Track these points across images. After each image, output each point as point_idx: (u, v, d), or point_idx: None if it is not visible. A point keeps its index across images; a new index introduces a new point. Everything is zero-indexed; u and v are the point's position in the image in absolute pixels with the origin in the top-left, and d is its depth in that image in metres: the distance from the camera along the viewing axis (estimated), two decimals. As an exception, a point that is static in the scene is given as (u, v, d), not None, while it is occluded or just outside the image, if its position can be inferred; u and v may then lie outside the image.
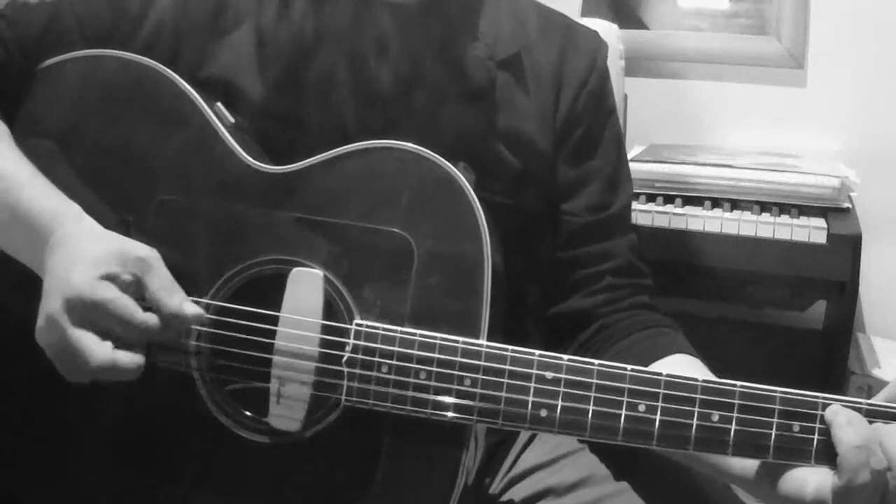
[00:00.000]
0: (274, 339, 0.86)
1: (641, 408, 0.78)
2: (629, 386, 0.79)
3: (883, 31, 1.88)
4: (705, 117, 2.02)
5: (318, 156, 0.89)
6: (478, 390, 0.81)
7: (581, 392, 0.79)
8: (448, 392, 0.82)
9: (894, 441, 0.74)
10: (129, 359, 0.81)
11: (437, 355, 0.82)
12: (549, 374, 0.80)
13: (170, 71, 0.93)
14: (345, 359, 0.84)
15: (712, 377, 0.81)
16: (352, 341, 0.84)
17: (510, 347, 0.81)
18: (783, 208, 1.64)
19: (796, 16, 1.93)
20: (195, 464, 0.89)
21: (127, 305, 0.80)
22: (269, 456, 0.87)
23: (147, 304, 0.83)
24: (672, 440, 0.78)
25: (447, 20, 1.00)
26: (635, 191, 1.70)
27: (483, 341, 0.82)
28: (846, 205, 1.66)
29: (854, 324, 1.72)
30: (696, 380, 0.78)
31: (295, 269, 0.86)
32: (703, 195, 1.68)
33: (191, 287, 0.87)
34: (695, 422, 0.77)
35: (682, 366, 0.92)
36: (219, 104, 0.93)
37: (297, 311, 0.85)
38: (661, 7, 2.02)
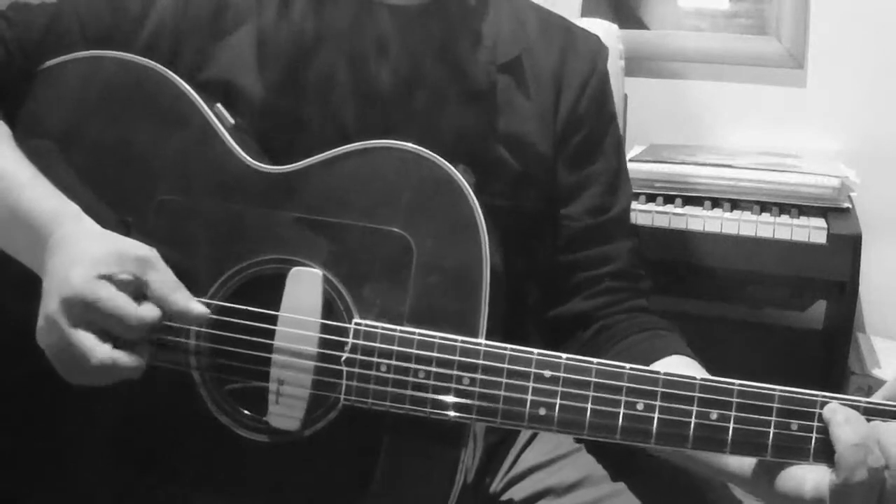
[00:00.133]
0: (273, 338, 0.86)
1: (640, 406, 0.79)
2: (627, 385, 0.79)
3: (883, 31, 1.88)
4: (705, 117, 2.02)
5: (318, 156, 0.90)
6: (476, 389, 0.81)
7: (580, 391, 0.80)
8: (447, 391, 0.82)
9: (892, 439, 0.73)
10: (129, 358, 0.81)
11: (435, 354, 0.82)
12: (547, 373, 0.80)
13: (170, 72, 0.94)
14: (344, 358, 0.84)
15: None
16: (351, 340, 0.84)
17: (509, 346, 0.81)
18: (783, 208, 1.64)
19: (796, 16, 1.93)
20: (194, 463, 0.89)
21: (123, 303, 0.80)
22: (269, 455, 0.87)
23: (149, 299, 0.83)
24: (670, 439, 0.78)
25: (447, 22, 1.00)
26: (635, 191, 1.70)
27: (482, 340, 0.82)
28: (846, 205, 1.66)
29: (854, 324, 1.72)
30: (694, 378, 0.78)
31: (294, 269, 0.86)
32: (703, 195, 1.68)
33: (191, 287, 0.87)
34: (693, 420, 0.77)
35: (679, 367, 0.92)
36: (219, 105, 0.93)
37: (297, 310, 0.85)
38: (661, 7, 2.02)
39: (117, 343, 0.81)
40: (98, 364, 0.79)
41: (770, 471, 0.79)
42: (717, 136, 2.00)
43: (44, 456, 0.92)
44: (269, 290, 0.87)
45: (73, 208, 0.87)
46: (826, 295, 1.72)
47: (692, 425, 0.77)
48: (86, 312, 0.79)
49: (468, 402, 0.81)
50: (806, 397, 0.77)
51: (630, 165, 1.70)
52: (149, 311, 0.82)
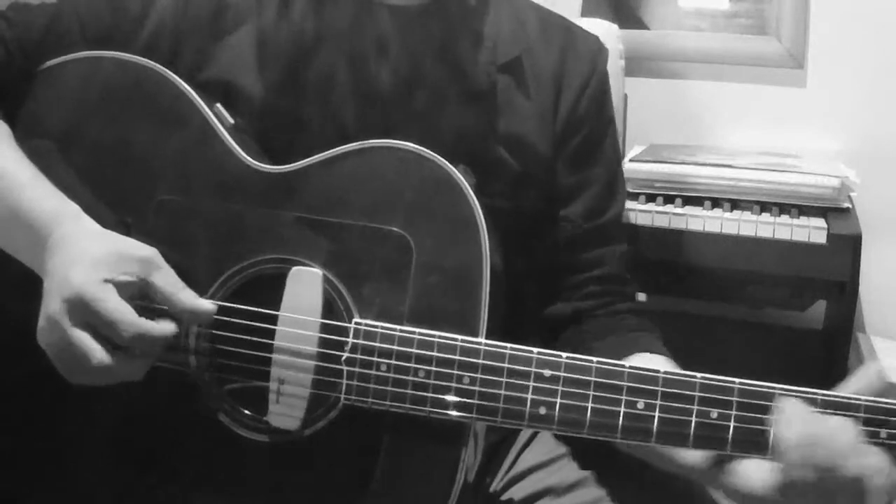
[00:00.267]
0: (273, 338, 0.86)
1: (640, 405, 0.79)
2: (627, 384, 0.79)
3: (883, 31, 1.88)
4: (705, 117, 2.01)
5: (318, 155, 0.90)
6: (476, 388, 0.81)
7: (580, 390, 0.80)
8: (447, 390, 0.82)
9: (843, 434, 0.73)
10: (129, 361, 0.81)
11: (435, 354, 0.82)
12: (547, 372, 0.80)
13: (169, 72, 0.94)
14: (344, 357, 0.84)
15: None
16: (351, 340, 0.84)
17: (509, 345, 0.81)
18: (783, 208, 1.64)
19: (796, 16, 1.93)
20: (194, 463, 0.89)
21: (121, 311, 0.80)
22: (269, 455, 0.87)
23: (150, 303, 0.83)
24: (671, 437, 0.78)
25: (448, 23, 1.00)
26: (635, 191, 1.70)
27: (482, 339, 0.82)
28: (846, 205, 1.66)
29: (854, 324, 1.72)
30: (694, 376, 0.78)
31: (294, 268, 0.86)
32: (703, 195, 1.68)
33: (191, 286, 0.87)
34: (693, 419, 0.78)
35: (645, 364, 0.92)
36: (218, 105, 0.93)
37: (297, 309, 0.85)
38: (661, 7, 2.01)
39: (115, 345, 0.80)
40: (97, 365, 0.79)
41: (722, 464, 0.79)
42: (717, 136, 2.00)
43: (44, 456, 0.92)
44: (270, 289, 0.87)
45: (74, 208, 0.87)
46: (826, 295, 1.72)
47: (693, 424, 0.77)
48: (86, 314, 0.79)
49: (468, 401, 0.81)
50: (805, 394, 0.76)
51: (630, 165, 1.71)
52: (166, 327, 0.82)
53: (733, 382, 0.77)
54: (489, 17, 1.02)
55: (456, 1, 1.02)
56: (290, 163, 0.91)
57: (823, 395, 0.76)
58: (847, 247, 1.57)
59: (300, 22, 0.98)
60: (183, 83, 0.94)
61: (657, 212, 1.67)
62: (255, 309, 0.86)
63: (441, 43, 1.00)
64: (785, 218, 1.61)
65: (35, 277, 0.84)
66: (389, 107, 0.98)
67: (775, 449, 0.75)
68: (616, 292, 1.05)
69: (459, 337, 0.82)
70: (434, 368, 0.82)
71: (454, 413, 0.82)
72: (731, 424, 0.77)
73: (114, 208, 0.91)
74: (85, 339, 0.79)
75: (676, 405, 0.78)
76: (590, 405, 0.79)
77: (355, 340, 0.84)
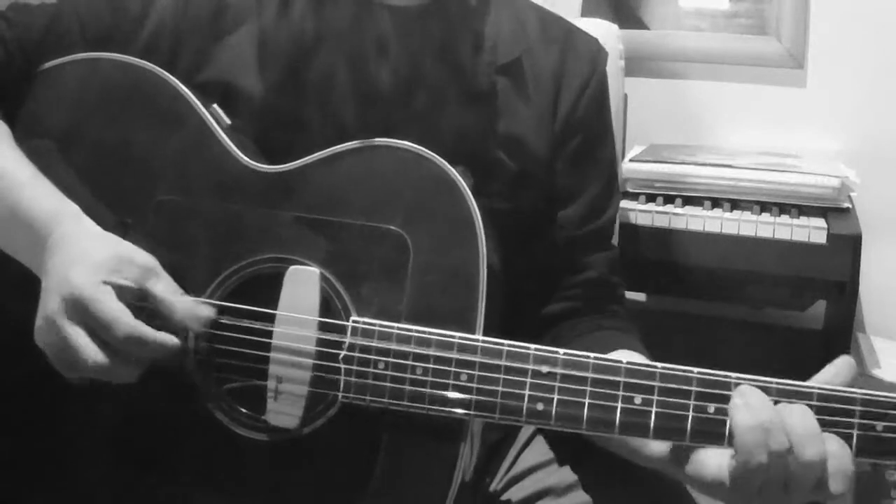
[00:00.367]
0: (271, 337, 0.86)
1: (637, 400, 0.79)
2: (625, 379, 0.79)
3: (883, 31, 1.88)
4: (705, 117, 2.02)
5: (315, 155, 0.90)
6: (474, 385, 0.81)
7: (577, 386, 0.80)
8: (445, 387, 0.82)
9: (797, 421, 0.73)
10: (119, 362, 0.80)
11: (433, 351, 0.82)
12: (544, 369, 0.80)
13: (167, 73, 0.94)
14: (342, 355, 0.84)
15: None
16: (348, 338, 0.84)
17: (506, 342, 0.81)
18: (783, 208, 1.64)
19: (796, 16, 1.93)
20: (193, 462, 0.89)
21: (117, 313, 0.80)
22: (268, 453, 0.87)
23: (145, 306, 0.83)
24: (669, 432, 0.78)
25: (447, 23, 1.01)
26: (635, 191, 1.70)
27: (479, 336, 0.83)
28: (846, 205, 1.66)
29: (854, 324, 1.72)
30: (691, 371, 0.78)
31: (292, 267, 0.86)
32: (703, 195, 1.68)
33: (189, 286, 0.87)
34: (690, 413, 0.77)
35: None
36: (215, 106, 0.94)
37: (294, 308, 0.86)
38: (661, 7, 2.02)
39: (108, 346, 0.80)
40: (90, 364, 0.79)
41: (681, 453, 0.79)
42: (717, 136, 2.00)
43: (43, 456, 0.92)
44: (267, 288, 0.87)
45: (73, 208, 0.88)
46: (826, 295, 1.72)
47: (690, 419, 0.77)
48: (84, 314, 0.79)
49: (466, 397, 0.81)
50: (801, 389, 0.77)
51: (630, 165, 1.71)
52: (164, 337, 0.82)
53: (729, 377, 0.77)
54: (489, 17, 1.03)
55: (456, 1, 1.02)
56: (289, 163, 0.91)
57: (778, 384, 0.76)
58: (847, 247, 1.57)
59: (300, 22, 0.98)
60: (180, 84, 0.94)
61: (657, 212, 1.67)
62: (253, 308, 0.86)
63: (441, 43, 1.00)
64: (785, 218, 1.61)
65: (35, 278, 0.84)
66: (389, 107, 0.98)
67: (731, 435, 0.75)
68: (603, 296, 1.05)
69: (457, 334, 0.82)
70: (432, 366, 0.82)
71: (452, 410, 0.82)
72: (728, 419, 0.77)
73: (112, 208, 0.91)
74: (80, 336, 0.79)
75: (674, 400, 0.78)
76: (587, 401, 0.79)
77: (353, 338, 0.84)
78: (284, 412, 0.85)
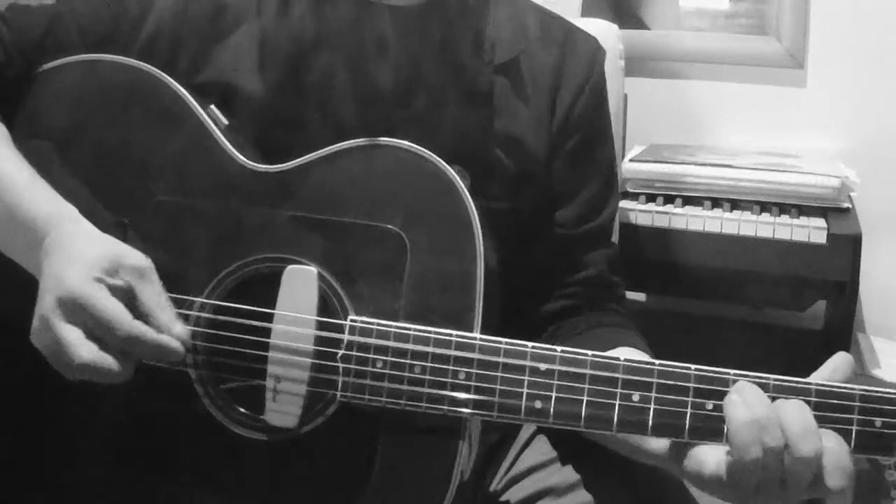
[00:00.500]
0: (269, 336, 0.86)
1: (635, 398, 0.78)
2: (623, 376, 0.79)
3: (883, 31, 1.88)
4: (705, 117, 2.02)
5: (312, 154, 0.90)
6: (472, 383, 0.81)
7: (575, 383, 0.79)
8: (443, 385, 0.82)
9: (793, 417, 0.73)
10: (113, 361, 0.79)
11: (431, 349, 0.82)
12: (542, 366, 0.80)
13: (164, 74, 0.94)
14: (340, 354, 0.84)
15: None
16: (346, 337, 0.84)
17: (504, 340, 0.81)
18: (783, 208, 1.64)
19: (796, 16, 1.93)
20: (192, 462, 0.89)
21: (116, 310, 0.79)
22: (266, 453, 0.87)
23: (137, 311, 0.83)
24: (667, 429, 0.78)
25: (447, 23, 1.01)
26: (635, 191, 1.70)
27: (477, 334, 0.83)
28: (846, 205, 1.66)
29: (854, 324, 1.72)
30: (689, 368, 0.78)
31: (289, 267, 0.86)
32: (703, 195, 1.68)
33: (187, 286, 0.87)
34: (689, 410, 0.77)
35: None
36: (212, 107, 0.94)
37: (292, 308, 0.85)
38: (662, 7, 2.02)
39: (102, 345, 0.79)
40: (82, 363, 0.78)
41: (681, 450, 0.79)
42: (717, 136, 2.01)
43: (42, 456, 0.92)
44: (265, 288, 0.87)
45: (71, 210, 0.87)
46: (826, 295, 1.72)
47: (688, 416, 0.77)
48: (78, 312, 0.79)
49: (464, 396, 0.81)
50: (800, 386, 0.76)
51: (630, 165, 1.71)
52: (140, 326, 0.80)
53: (727, 374, 0.77)
54: (489, 17, 1.03)
55: (456, 1, 1.02)
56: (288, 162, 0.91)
57: (776, 379, 0.76)
58: (847, 247, 1.57)
59: (300, 22, 0.98)
60: (178, 85, 0.94)
61: (657, 212, 1.67)
62: (251, 307, 0.86)
63: (441, 43, 1.00)
64: (785, 218, 1.62)
65: (33, 279, 0.84)
66: (388, 107, 0.98)
67: (727, 430, 0.75)
68: (603, 296, 1.05)
69: (455, 332, 0.82)
70: (430, 364, 0.82)
71: (450, 408, 0.82)
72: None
73: (111, 209, 0.91)
74: (70, 334, 0.78)
75: (672, 397, 0.78)
76: (585, 398, 0.79)
77: (351, 337, 0.84)
78: (283, 411, 0.85)
